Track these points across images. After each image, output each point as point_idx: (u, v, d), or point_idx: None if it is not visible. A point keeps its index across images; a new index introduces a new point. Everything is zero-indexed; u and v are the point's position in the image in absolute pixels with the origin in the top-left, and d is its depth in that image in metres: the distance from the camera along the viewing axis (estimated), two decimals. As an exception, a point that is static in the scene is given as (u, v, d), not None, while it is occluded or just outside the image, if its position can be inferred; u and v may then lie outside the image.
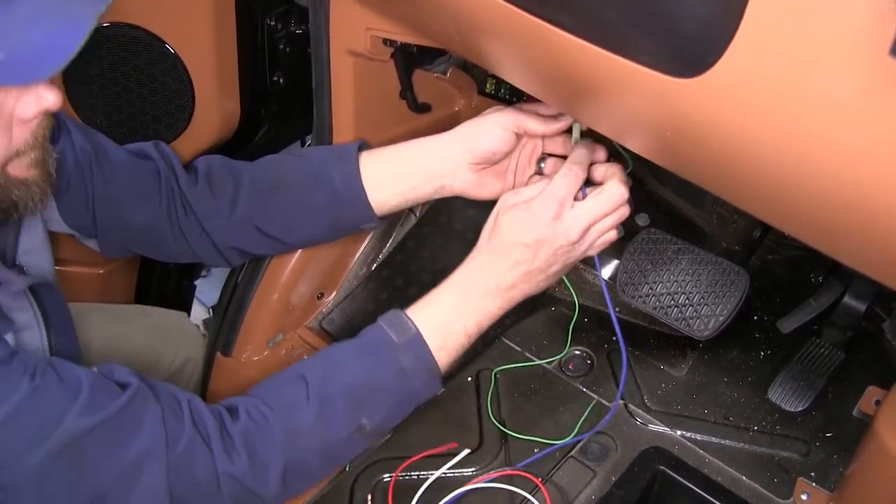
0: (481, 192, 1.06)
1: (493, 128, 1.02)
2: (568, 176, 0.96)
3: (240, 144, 1.48)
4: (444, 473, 1.04)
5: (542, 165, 1.08)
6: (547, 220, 0.94)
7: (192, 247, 1.08)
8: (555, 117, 1.03)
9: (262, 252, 1.16)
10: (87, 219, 1.04)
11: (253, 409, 0.88)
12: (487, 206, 1.21)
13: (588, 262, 1.30)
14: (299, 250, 1.22)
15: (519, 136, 1.04)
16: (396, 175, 1.05)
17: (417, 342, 0.93)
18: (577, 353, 1.21)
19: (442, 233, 1.28)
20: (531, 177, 1.08)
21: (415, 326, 0.94)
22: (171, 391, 0.85)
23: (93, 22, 0.74)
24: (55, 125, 0.99)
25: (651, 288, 1.16)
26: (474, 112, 1.40)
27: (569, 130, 1.05)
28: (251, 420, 0.87)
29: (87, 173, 1.01)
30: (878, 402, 1.07)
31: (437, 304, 0.96)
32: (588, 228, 0.96)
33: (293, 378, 0.92)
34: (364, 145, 1.09)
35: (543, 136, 1.06)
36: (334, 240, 1.17)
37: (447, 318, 0.95)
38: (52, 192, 0.93)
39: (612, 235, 1.00)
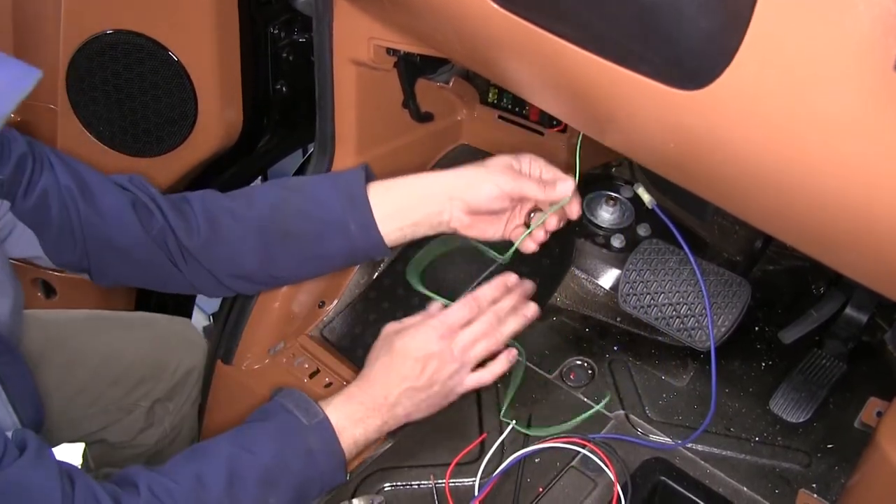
0: (473, 232, 1.07)
1: (493, 187, 1.02)
2: (464, 306, 1.04)
3: (242, 152, 1.48)
4: (444, 483, 1.04)
5: (533, 215, 1.09)
6: (436, 338, 1.01)
7: (193, 284, 1.07)
8: (554, 184, 1.04)
9: (267, 289, 1.19)
10: (76, 254, 1.01)
11: (156, 485, 0.86)
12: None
13: (587, 271, 1.30)
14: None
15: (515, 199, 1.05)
16: (396, 211, 1.05)
17: (325, 426, 0.97)
18: (578, 363, 1.21)
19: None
20: (516, 227, 1.09)
21: (323, 412, 0.97)
22: (65, 473, 0.83)
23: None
24: (36, 161, 0.96)
25: (653, 298, 1.16)
26: (476, 122, 1.41)
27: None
28: (154, 496, 0.84)
29: (72, 210, 0.97)
30: (879, 414, 1.07)
31: (333, 409, 0.99)
32: (463, 349, 1.02)
33: (203, 455, 0.92)
34: (368, 173, 1.08)
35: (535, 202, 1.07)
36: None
37: (341, 423, 0.98)
38: None
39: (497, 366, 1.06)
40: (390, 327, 1.06)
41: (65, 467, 0.83)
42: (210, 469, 0.89)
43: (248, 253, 1.04)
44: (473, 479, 1.05)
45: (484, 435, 1.09)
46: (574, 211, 1.07)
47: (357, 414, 1.00)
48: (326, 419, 0.97)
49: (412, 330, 1.03)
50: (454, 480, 1.04)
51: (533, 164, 1.06)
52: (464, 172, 1.05)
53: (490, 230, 1.08)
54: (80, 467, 1.17)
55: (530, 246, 1.08)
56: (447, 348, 1.01)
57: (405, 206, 1.05)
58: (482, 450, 1.08)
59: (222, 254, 1.04)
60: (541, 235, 1.08)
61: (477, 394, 1.17)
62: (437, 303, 1.08)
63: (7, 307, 0.97)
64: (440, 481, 1.04)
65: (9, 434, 0.81)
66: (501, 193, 1.02)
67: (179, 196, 1.06)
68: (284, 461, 0.93)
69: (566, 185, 1.04)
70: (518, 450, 1.06)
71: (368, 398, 1.01)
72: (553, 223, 1.07)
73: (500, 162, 1.05)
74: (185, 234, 1.02)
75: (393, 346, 1.02)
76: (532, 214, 1.09)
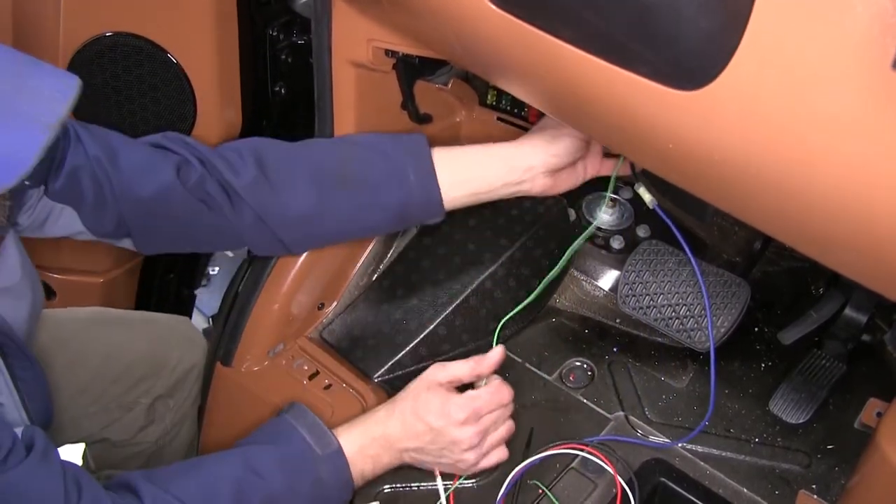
0: (557, 189, 1.09)
1: (570, 140, 1.05)
2: (493, 391, 1.01)
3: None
4: (446, 485, 1.04)
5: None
6: (456, 421, 0.98)
7: (242, 234, 1.05)
8: None
9: (314, 245, 1.17)
10: (114, 222, 1.01)
11: (162, 502, 0.86)
12: (488, 216, 1.22)
13: (586, 273, 1.31)
14: (301, 259, 1.22)
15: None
16: (473, 178, 1.06)
17: (338, 457, 0.96)
18: (578, 364, 1.21)
19: (443, 243, 1.27)
20: (596, 162, 1.12)
21: (337, 442, 0.97)
22: (72, 478, 0.83)
23: (51, 132, 0.73)
24: (65, 139, 0.96)
25: (652, 299, 1.16)
26: (475, 123, 1.41)
27: None
28: None
29: (103, 181, 0.98)
30: (879, 414, 1.07)
31: (347, 440, 0.99)
32: (482, 433, 1.00)
33: (210, 473, 0.92)
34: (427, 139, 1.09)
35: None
36: (392, 231, 1.24)
37: (353, 456, 0.98)
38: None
39: (503, 452, 1.04)
40: (435, 374, 1.03)
41: (73, 472, 0.83)
42: (217, 489, 0.89)
43: (301, 196, 1.03)
44: (474, 481, 1.05)
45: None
46: None
47: (370, 450, 1.00)
48: (340, 450, 0.97)
49: (441, 400, 1.00)
50: (453, 482, 1.04)
51: None
52: (532, 141, 1.07)
53: (571, 181, 1.10)
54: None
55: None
56: (465, 434, 0.99)
57: (477, 177, 1.06)
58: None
59: (272, 195, 1.02)
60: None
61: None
62: (496, 355, 1.04)
63: (25, 310, 0.97)
64: (446, 482, 1.04)
65: (18, 431, 0.81)
66: (579, 140, 1.05)
67: (229, 143, 1.06)
68: (293, 489, 0.93)
69: None
70: (519, 455, 1.06)
71: (386, 436, 1.00)
72: None
73: (542, 125, 1.08)
74: (232, 174, 1.01)
75: (418, 401, 1.00)
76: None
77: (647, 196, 1.13)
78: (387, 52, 1.12)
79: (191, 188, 1.00)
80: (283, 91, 1.49)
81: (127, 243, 1.06)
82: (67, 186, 0.96)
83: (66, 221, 1.00)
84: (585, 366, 1.21)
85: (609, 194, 1.14)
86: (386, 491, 1.04)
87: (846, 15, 0.52)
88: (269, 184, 1.02)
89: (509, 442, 1.06)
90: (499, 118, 1.40)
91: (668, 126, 0.68)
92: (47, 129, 0.73)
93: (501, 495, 1.02)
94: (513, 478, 1.03)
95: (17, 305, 0.95)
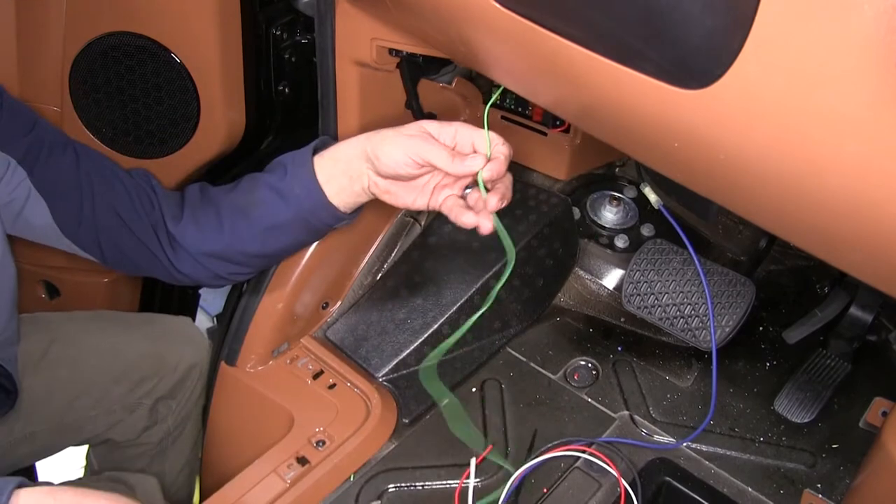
0: (392, 199, 1.02)
1: (399, 152, 0.96)
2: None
3: (245, 154, 1.48)
4: (448, 484, 1.04)
5: (468, 191, 0.99)
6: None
7: (188, 275, 1.11)
8: (463, 158, 0.95)
9: (251, 271, 1.16)
10: (90, 238, 1.06)
11: None
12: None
13: (591, 272, 1.30)
14: (304, 259, 1.22)
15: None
16: (335, 175, 1.02)
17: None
18: (583, 363, 1.21)
19: (446, 243, 1.27)
20: (448, 197, 1.00)
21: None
22: None
23: None
24: (62, 145, 1.02)
25: (657, 298, 1.16)
26: (480, 122, 1.40)
27: None
28: None
29: (86, 194, 1.03)
30: (884, 414, 1.07)
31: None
32: None
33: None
34: (326, 142, 1.07)
35: (446, 174, 0.99)
36: (312, 242, 1.21)
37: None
38: None
39: None
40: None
41: None
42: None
43: (215, 230, 1.07)
44: (479, 480, 1.05)
45: (490, 447, 1.09)
46: (491, 203, 0.95)
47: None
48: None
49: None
50: (457, 481, 1.04)
51: (460, 133, 0.98)
52: (378, 134, 1.00)
53: (408, 197, 1.01)
54: (83, 469, 1.17)
55: (469, 220, 0.97)
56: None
57: (339, 172, 1.02)
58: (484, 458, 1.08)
59: (195, 233, 1.07)
60: (482, 205, 0.96)
61: (481, 396, 1.17)
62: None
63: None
64: (450, 482, 1.04)
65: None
66: (407, 159, 0.96)
67: (180, 191, 1.12)
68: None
69: (476, 161, 0.94)
70: (523, 456, 1.06)
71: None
72: (493, 203, 0.95)
73: (417, 126, 0.99)
74: (172, 222, 1.07)
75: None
76: (467, 190, 1.00)
77: (652, 196, 1.12)
78: (390, 50, 1.12)
79: (151, 224, 1.07)
80: (286, 90, 1.49)
81: (94, 256, 1.10)
82: (50, 179, 1.01)
83: (41, 223, 1.04)
84: (590, 365, 1.21)
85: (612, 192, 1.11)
86: (390, 490, 1.04)
87: (852, 14, 0.52)
88: (193, 223, 1.08)
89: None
90: (503, 117, 1.40)
91: (673, 125, 0.68)
92: None
93: (505, 495, 1.02)
94: (516, 478, 1.03)
95: None
